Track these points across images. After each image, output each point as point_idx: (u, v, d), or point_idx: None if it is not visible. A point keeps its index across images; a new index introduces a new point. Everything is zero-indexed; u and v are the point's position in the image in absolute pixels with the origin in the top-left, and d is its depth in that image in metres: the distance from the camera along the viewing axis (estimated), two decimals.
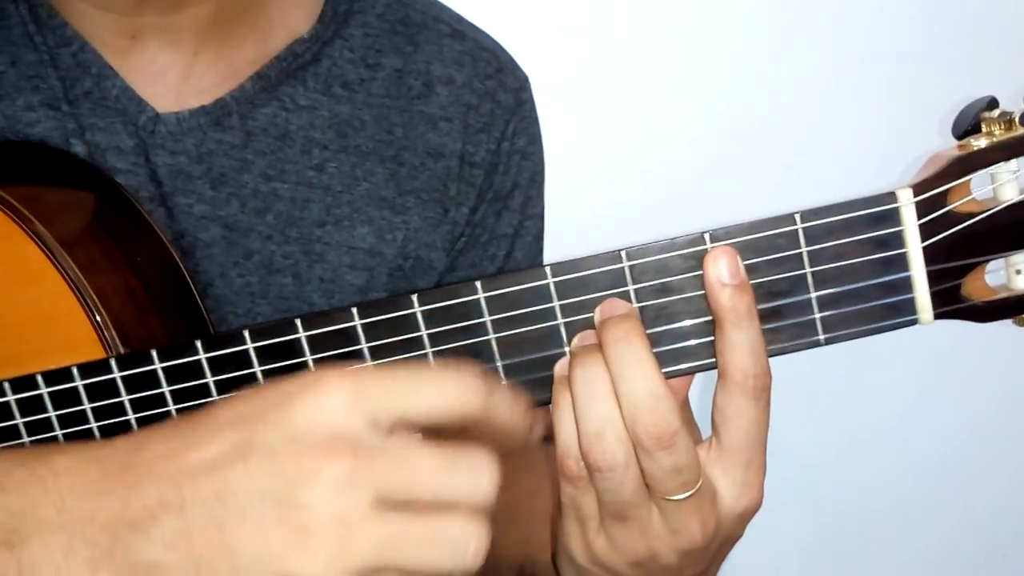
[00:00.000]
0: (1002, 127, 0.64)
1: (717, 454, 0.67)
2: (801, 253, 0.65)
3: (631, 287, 0.67)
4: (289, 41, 0.95)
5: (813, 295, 0.66)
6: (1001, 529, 1.74)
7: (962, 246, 0.65)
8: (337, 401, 0.56)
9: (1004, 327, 0.68)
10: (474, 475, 0.56)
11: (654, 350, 0.65)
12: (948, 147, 0.67)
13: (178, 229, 0.90)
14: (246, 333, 0.69)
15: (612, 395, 0.64)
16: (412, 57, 0.99)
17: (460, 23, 1.04)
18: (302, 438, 0.55)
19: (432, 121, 0.99)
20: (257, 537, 0.55)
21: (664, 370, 0.65)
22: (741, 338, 0.65)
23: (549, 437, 0.72)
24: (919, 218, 0.64)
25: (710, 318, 0.66)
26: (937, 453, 1.69)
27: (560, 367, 0.68)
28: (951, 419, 1.67)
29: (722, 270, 0.65)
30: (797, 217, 0.65)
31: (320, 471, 0.54)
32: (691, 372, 0.68)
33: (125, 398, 0.72)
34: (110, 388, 0.71)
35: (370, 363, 0.69)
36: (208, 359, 0.70)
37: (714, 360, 0.67)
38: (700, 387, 0.70)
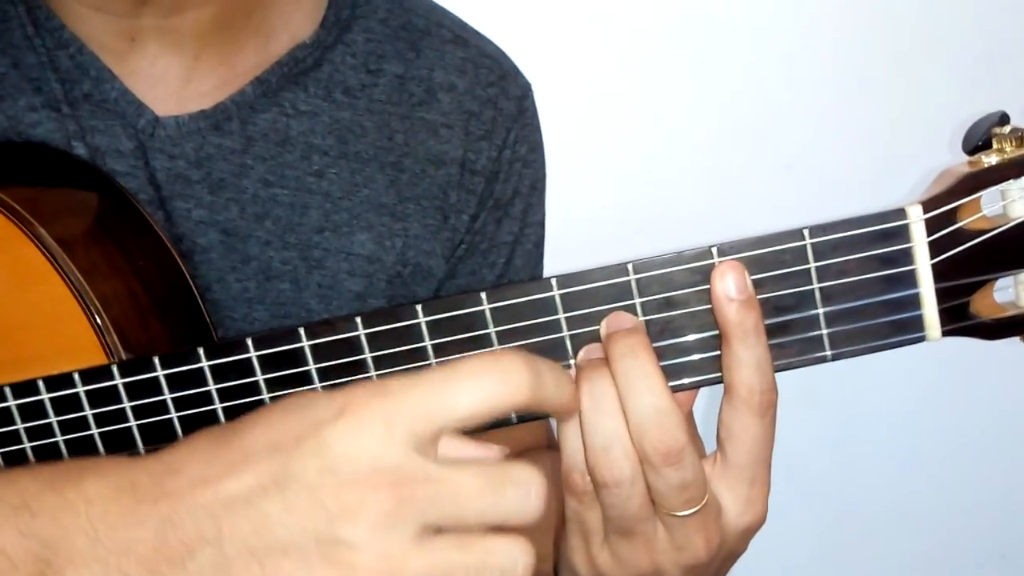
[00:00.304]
0: (1013, 144, 0.64)
1: (722, 470, 0.67)
2: (809, 268, 0.65)
3: (637, 300, 0.66)
4: (291, 46, 0.95)
5: (820, 311, 0.65)
6: (1001, 529, 1.74)
7: (971, 263, 0.64)
8: (373, 428, 0.54)
9: None
10: (521, 493, 0.55)
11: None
12: (958, 163, 0.66)
13: (176, 233, 0.90)
14: (249, 341, 0.68)
15: (619, 410, 0.63)
16: (414, 63, 0.99)
17: (463, 29, 1.03)
18: (341, 470, 0.54)
19: (433, 128, 0.99)
20: (300, 575, 0.53)
21: (669, 384, 0.64)
22: (748, 354, 0.64)
23: (552, 443, 0.71)
24: (928, 235, 0.64)
25: (716, 332, 0.66)
26: (937, 454, 1.69)
27: None
28: (951, 420, 1.67)
29: (729, 285, 0.64)
30: (805, 232, 0.65)
31: (363, 506, 0.53)
32: (696, 387, 0.67)
33: (127, 405, 0.71)
34: (111, 394, 0.71)
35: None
36: (210, 367, 0.69)
37: (719, 375, 0.66)
38: (704, 400, 0.70)
